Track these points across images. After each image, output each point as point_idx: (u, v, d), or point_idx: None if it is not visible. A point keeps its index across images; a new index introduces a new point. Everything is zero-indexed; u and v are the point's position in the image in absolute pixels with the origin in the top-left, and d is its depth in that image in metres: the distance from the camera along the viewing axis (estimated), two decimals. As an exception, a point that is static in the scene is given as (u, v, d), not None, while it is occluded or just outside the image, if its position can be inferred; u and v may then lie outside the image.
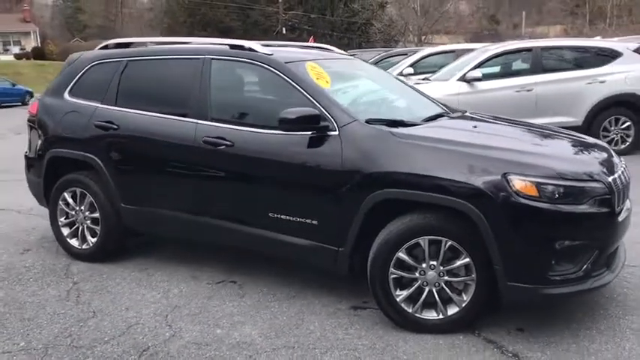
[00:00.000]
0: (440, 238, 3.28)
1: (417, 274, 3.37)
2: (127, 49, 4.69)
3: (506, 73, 9.16)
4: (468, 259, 3.27)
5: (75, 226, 4.69)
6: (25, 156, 5.10)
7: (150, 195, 4.31)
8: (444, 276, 3.34)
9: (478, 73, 8.72)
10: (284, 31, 40.59)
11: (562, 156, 3.47)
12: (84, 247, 4.65)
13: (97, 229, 4.56)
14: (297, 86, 3.77)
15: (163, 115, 4.21)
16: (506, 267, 3.14)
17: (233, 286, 4.14)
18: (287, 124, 3.57)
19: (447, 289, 3.35)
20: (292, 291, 4.03)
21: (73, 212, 4.67)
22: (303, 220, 3.67)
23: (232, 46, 4.18)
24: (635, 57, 8.69)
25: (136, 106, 4.37)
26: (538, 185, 3.09)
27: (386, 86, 4.74)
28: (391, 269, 3.38)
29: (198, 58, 4.18)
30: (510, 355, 3.18)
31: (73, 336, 3.44)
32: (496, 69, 9.17)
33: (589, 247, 3.19)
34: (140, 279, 4.29)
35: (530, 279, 3.15)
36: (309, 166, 3.62)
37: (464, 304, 3.34)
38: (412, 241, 3.32)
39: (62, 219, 4.75)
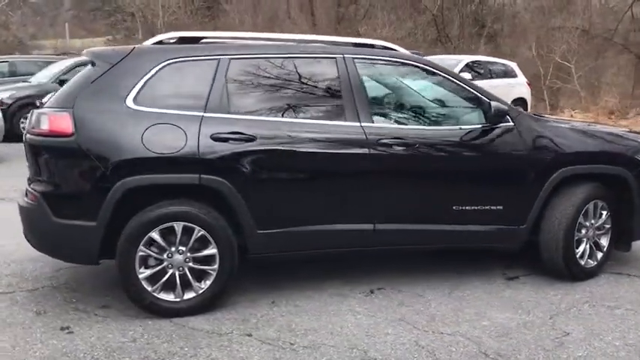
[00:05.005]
0: (597, 201, 4.21)
1: (584, 233, 4.20)
2: (218, 45, 3.81)
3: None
4: (609, 215, 4.29)
5: (165, 275, 3.57)
6: (47, 194, 3.49)
7: (303, 212, 3.74)
8: (595, 232, 4.27)
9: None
10: None
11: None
12: (187, 297, 3.60)
13: (210, 269, 3.62)
14: (464, 85, 4.05)
15: (314, 121, 3.76)
16: (643, 212, 4.33)
17: (392, 292, 4.03)
18: (492, 119, 3.89)
19: (598, 241, 4.30)
20: (441, 281, 4.20)
21: (165, 256, 3.56)
22: (489, 207, 4.01)
23: (358, 44, 4.06)
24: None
25: (265, 113, 3.71)
26: None
27: None
28: (575, 232, 4.12)
29: (333, 57, 3.87)
30: (641, 277, 4.41)
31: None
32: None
33: None
34: (297, 312, 3.69)
35: None
36: (495, 157, 4.01)
37: (605, 249, 4.35)
38: (585, 207, 4.15)
39: (142, 269, 3.54)
